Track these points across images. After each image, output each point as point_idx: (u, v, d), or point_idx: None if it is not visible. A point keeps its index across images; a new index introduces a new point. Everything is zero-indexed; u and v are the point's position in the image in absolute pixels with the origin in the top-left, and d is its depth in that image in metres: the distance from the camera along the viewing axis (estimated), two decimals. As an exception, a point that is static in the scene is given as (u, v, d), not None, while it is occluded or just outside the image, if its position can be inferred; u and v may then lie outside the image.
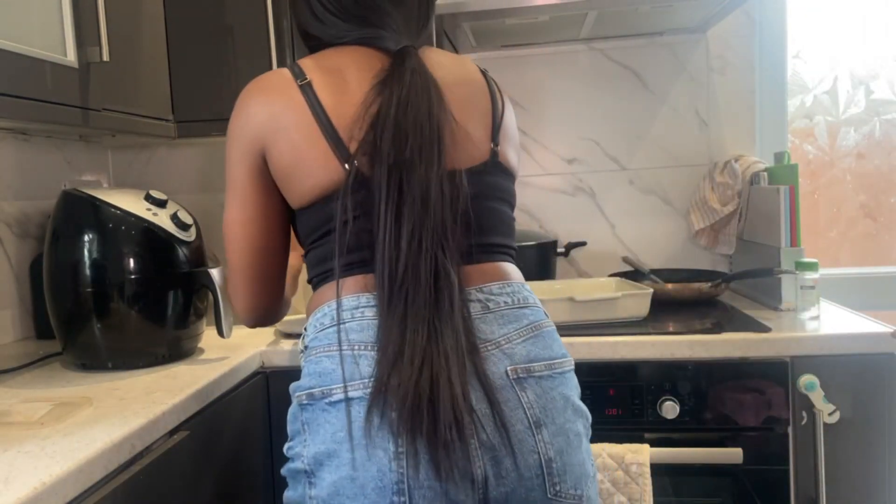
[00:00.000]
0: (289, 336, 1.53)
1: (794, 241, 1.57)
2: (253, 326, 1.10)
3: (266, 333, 1.59)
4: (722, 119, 1.96)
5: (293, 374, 1.43)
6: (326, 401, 0.86)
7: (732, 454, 1.33)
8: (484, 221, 0.96)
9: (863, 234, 2.02)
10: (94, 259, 1.27)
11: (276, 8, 1.66)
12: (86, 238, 1.28)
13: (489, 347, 0.89)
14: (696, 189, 1.94)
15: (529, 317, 0.94)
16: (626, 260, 1.90)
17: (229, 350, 1.41)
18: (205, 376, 1.22)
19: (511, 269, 1.00)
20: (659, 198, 1.99)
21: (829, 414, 1.31)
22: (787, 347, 1.33)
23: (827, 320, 1.45)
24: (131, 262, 1.28)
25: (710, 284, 1.66)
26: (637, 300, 1.51)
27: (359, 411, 0.84)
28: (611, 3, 1.57)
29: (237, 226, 1.00)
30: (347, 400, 0.85)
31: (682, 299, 1.68)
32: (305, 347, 0.97)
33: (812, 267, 1.49)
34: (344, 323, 0.89)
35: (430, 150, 0.88)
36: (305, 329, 0.99)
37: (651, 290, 1.53)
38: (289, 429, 0.92)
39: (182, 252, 1.34)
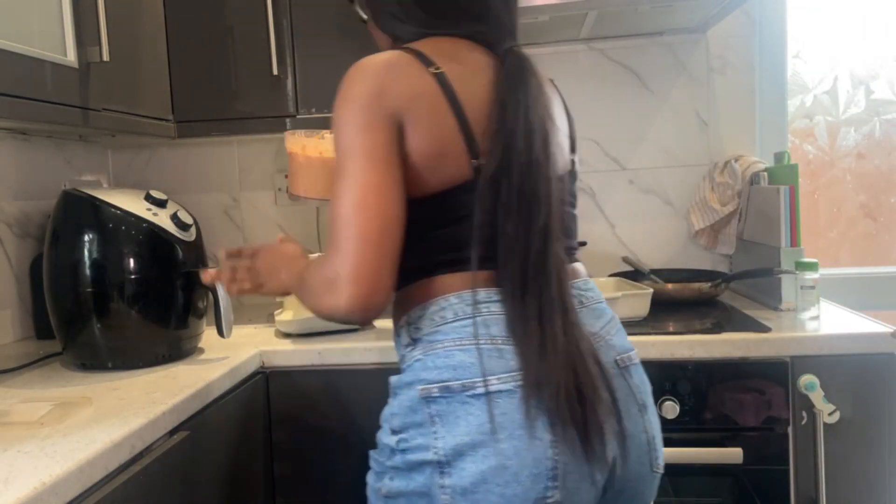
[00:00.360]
0: (288, 336, 1.53)
1: (794, 241, 1.57)
2: (365, 320, 0.92)
3: (266, 333, 1.59)
4: (722, 119, 1.96)
5: (293, 374, 1.44)
6: (468, 393, 0.87)
7: (732, 454, 1.33)
8: (568, 224, 1.02)
9: (863, 234, 2.02)
10: (94, 259, 1.27)
11: (276, 8, 1.66)
12: (86, 238, 1.28)
13: (596, 339, 0.94)
14: (696, 189, 1.94)
15: (609, 311, 1.02)
16: (626, 260, 1.90)
17: (229, 350, 1.41)
18: (205, 376, 1.22)
19: (584, 268, 1.06)
20: (659, 198, 1.99)
21: (829, 414, 1.31)
22: (787, 347, 1.33)
23: (827, 320, 1.45)
24: (131, 262, 1.28)
25: (710, 284, 1.66)
26: (637, 300, 1.51)
27: (509, 403, 0.86)
28: (611, 3, 1.57)
29: (374, 192, 0.88)
30: (490, 393, 0.86)
31: (682, 299, 1.68)
32: (414, 341, 0.95)
33: (812, 267, 1.49)
34: (477, 317, 0.91)
35: (549, 153, 0.92)
36: (409, 323, 0.96)
37: (651, 290, 1.53)
38: (400, 421, 0.91)
39: (182, 252, 1.34)
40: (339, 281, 0.87)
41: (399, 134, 0.92)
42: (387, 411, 0.94)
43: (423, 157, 0.92)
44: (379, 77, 0.92)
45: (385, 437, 0.93)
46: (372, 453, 0.97)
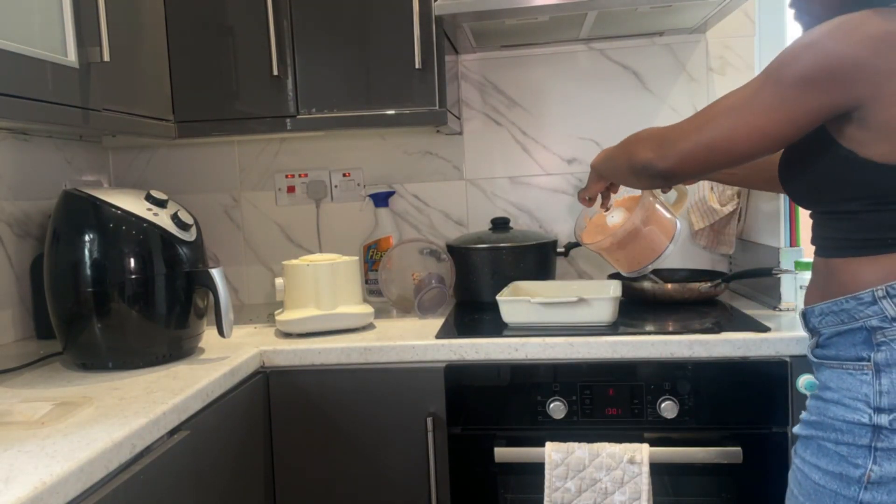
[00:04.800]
0: (288, 336, 1.53)
1: (794, 240, 1.57)
2: (653, 183, 1.09)
3: (266, 333, 1.59)
4: (722, 119, 1.95)
5: (293, 373, 1.44)
6: None
7: (732, 454, 1.33)
8: None
9: (862, 234, 2.02)
10: (95, 259, 1.27)
11: (276, 8, 1.66)
12: (86, 238, 1.28)
13: None
14: (695, 189, 1.94)
15: None
16: (625, 260, 1.90)
17: (229, 350, 1.41)
18: (205, 376, 1.22)
19: None
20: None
21: (829, 414, 1.31)
22: (787, 347, 1.33)
23: (826, 320, 1.45)
24: (131, 262, 1.28)
25: (710, 284, 1.67)
26: (603, 304, 1.49)
27: None
28: (611, 3, 1.57)
29: (755, 133, 0.95)
30: None
31: (681, 299, 1.68)
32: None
33: (811, 267, 1.49)
34: None
35: None
36: (892, 295, 0.92)
37: (618, 295, 1.50)
38: (892, 399, 0.89)
39: (182, 252, 1.34)
40: (666, 150, 1.03)
41: (835, 109, 0.91)
42: (861, 389, 0.91)
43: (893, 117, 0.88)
44: (854, 48, 0.88)
45: (860, 416, 0.90)
46: (818, 434, 0.95)
